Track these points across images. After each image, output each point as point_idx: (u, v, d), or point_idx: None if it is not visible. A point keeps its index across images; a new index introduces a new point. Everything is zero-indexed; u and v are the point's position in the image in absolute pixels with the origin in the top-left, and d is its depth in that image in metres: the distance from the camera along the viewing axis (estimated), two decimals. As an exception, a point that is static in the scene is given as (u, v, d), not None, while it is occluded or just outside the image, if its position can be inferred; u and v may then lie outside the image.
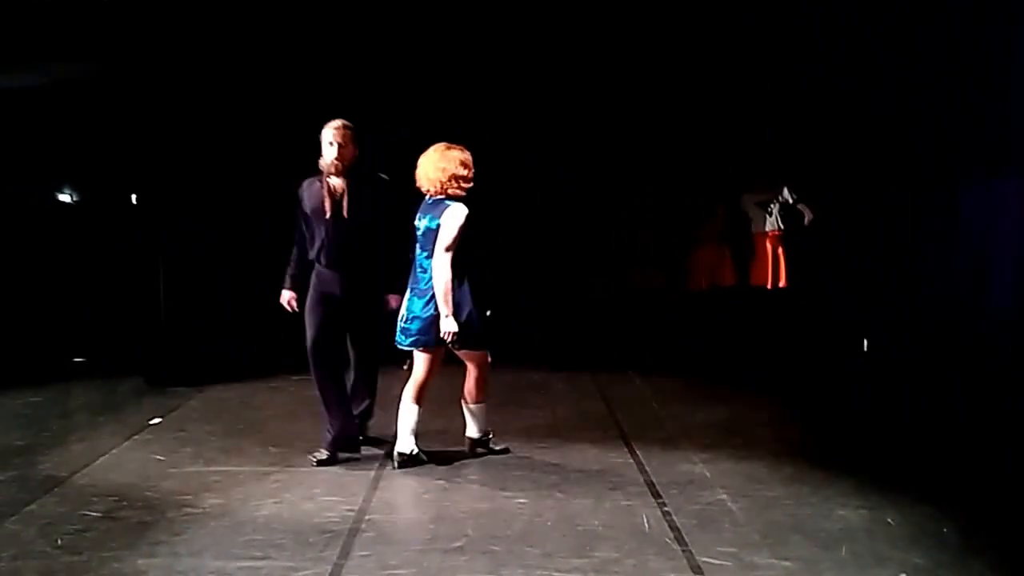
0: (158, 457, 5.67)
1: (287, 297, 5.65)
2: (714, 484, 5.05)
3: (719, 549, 4.11)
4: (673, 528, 4.40)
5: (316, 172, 5.40)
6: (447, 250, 5.13)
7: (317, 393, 5.52)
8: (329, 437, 5.48)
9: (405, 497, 4.87)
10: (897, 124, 8.23)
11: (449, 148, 5.28)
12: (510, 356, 8.96)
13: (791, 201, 8.31)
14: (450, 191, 5.23)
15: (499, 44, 8.95)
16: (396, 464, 5.36)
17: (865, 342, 8.78)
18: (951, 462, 5.55)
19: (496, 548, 4.14)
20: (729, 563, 3.95)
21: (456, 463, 5.48)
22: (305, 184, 5.45)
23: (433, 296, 5.21)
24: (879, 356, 8.54)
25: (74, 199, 9.43)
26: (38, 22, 7.98)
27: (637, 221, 9.45)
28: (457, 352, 5.40)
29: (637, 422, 6.45)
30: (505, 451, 5.69)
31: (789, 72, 8.79)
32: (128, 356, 8.37)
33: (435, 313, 5.21)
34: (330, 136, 5.29)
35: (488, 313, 9.95)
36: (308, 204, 5.42)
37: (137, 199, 9.32)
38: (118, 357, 8.45)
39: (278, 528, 4.40)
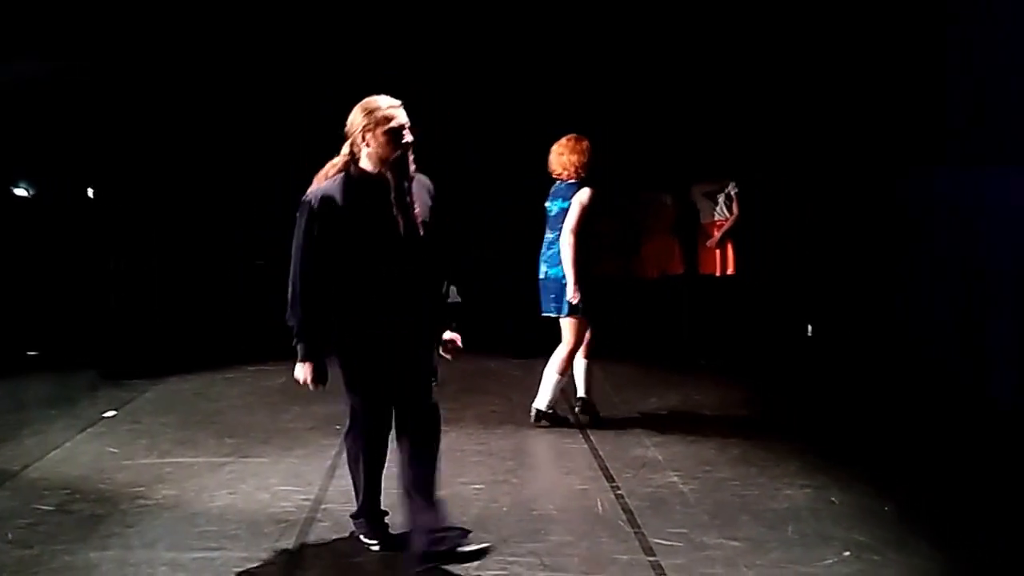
0: (111, 450, 5.64)
1: (308, 371, 3.87)
2: (665, 467, 5.15)
3: (670, 530, 4.19)
4: (626, 511, 4.48)
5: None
6: (575, 227, 5.77)
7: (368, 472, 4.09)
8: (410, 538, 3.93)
9: (361, 486, 4.88)
10: (839, 114, 8.37)
11: (580, 139, 5.96)
12: (468, 345, 9.05)
13: (733, 194, 8.44)
14: (579, 176, 5.91)
15: (458, 35, 8.98)
16: (533, 418, 5.96)
17: (809, 327, 8.96)
18: (892, 443, 5.70)
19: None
20: (680, 544, 4.03)
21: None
22: (333, 185, 3.79)
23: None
24: (823, 340, 8.71)
25: (29, 193, 9.31)
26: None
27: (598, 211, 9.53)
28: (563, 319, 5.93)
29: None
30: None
31: (735, 64, 8.89)
32: (82, 349, 8.29)
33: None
34: (405, 116, 3.81)
35: (451, 301, 9.99)
36: (356, 210, 3.76)
37: (93, 193, 9.22)
38: (72, 350, 8.37)
39: (233, 519, 4.41)
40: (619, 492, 4.75)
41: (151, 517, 4.45)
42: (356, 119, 3.80)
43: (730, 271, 8.55)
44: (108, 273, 8.84)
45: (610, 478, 4.99)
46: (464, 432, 5.88)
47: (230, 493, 4.79)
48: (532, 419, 6.01)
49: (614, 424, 6.11)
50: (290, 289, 3.80)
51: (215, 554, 3.99)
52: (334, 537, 4.18)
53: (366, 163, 3.81)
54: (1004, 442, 5.69)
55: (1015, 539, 4.15)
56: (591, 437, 5.82)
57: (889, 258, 8.10)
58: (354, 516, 4.14)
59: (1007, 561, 3.91)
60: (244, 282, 9.22)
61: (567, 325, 5.98)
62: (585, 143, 5.97)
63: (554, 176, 6.05)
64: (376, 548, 4.03)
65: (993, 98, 6.58)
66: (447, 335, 4.02)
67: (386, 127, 3.74)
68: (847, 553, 3.92)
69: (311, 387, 3.87)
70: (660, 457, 5.35)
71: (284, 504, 4.61)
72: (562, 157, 5.97)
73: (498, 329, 9.48)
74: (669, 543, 4.04)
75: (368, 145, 3.77)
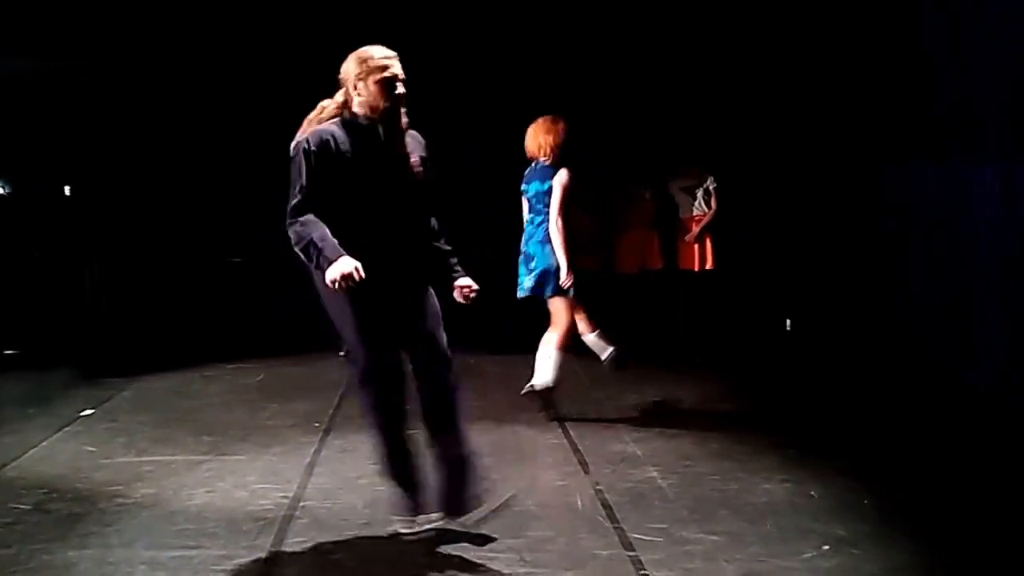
0: (89, 448, 5.60)
1: (343, 264, 3.59)
2: (645, 462, 5.17)
3: (649, 525, 4.20)
4: (605, 506, 4.49)
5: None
6: (560, 209, 5.82)
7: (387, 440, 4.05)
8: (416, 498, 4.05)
9: (340, 482, 4.88)
10: (817, 108, 8.41)
11: (556, 120, 5.95)
12: (451, 341, 9.04)
13: (712, 189, 8.48)
14: (555, 157, 5.92)
15: (428, 33, 8.96)
16: (535, 389, 6.01)
17: (788, 321, 9.01)
18: (872, 437, 5.73)
19: (431, 531, 4.19)
20: (659, 539, 4.05)
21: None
22: (330, 128, 3.78)
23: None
24: (802, 335, 8.77)
25: (6, 190, 9.23)
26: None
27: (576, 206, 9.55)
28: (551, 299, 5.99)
29: (571, 404, 6.53)
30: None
31: (714, 59, 8.93)
32: (59, 347, 8.24)
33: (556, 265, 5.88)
34: (399, 68, 3.81)
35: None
36: (351, 155, 3.75)
37: (70, 190, 9.16)
38: (49, 348, 8.31)
39: (211, 517, 4.39)
40: (598, 487, 4.76)
41: (129, 516, 4.43)
42: (349, 67, 3.79)
43: (709, 266, 8.60)
44: (85, 271, 8.79)
45: (589, 473, 5.00)
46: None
47: (208, 491, 4.78)
48: (535, 389, 6.03)
49: (593, 419, 6.13)
50: (288, 223, 3.69)
51: (193, 552, 3.97)
52: (313, 534, 4.17)
53: (358, 111, 3.80)
54: (984, 434, 5.73)
55: (995, 531, 4.18)
56: (570, 432, 5.83)
57: (868, 251, 8.16)
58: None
59: (987, 554, 3.94)
60: (222, 279, 9.18)
61: (559, 306, 6.02)
62: (561, 124, 5.95)
63: (529, 157, 6.05)
64: (408, 533, 4.02)
65: (976, 93, 6.64)
66: (460, 281, 4.04)
67: (378, 76, 3.73)
68: (826, 547, 3.94)
69: (354, 277, 3.56)
70: (639, 452, 5.37)
71: (263, 502, 4.59)
72: (537, 138, 5.96)
73: (477, 325, 9.49)
74: (649, 538, 4.05)
75: (360, 94, 3.76)
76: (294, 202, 3.70)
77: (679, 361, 8.00)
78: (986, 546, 4.01)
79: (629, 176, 8.78)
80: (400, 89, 3.77)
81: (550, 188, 5.91)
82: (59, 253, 8.86)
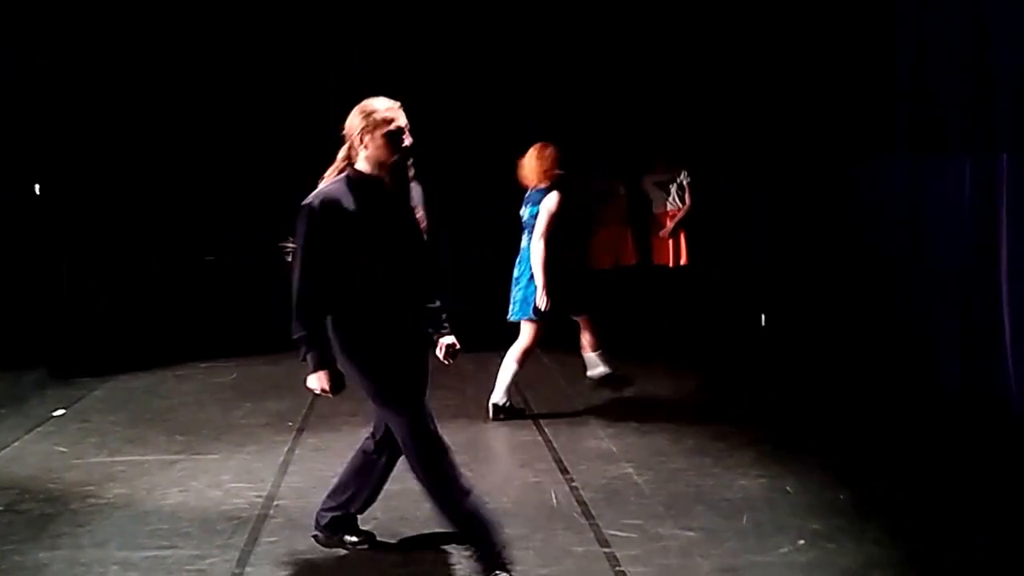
0: (61, 449, 5.55)
1: (324, 379, 3.64)
2: (620, 458, 5.18)
3: (625, 521, 4.22)
4: (580, 502, 4.50)
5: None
6: (544, 233, 5.94)
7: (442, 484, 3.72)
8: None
9: (313, 481, 4.85)
10: (791, 104, 8.46)
11: (546, 146, 6.12)
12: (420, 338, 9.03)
13: (685, 184, 8.51)
14: (548, 181, 6.05)
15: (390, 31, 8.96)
16: (491, 415, 6.00)
17: (763, 317, 9.05)
18: (846, 432, 5.78)
19: (405, 530, 4.19)
20: (635, 535, 4.06)
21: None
22: (337, 188, 3.67)
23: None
24: (777, 330, 8.82)
25: None
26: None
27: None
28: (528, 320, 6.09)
29: (546, 401, 6.55)
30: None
31: (687, 55, 8.96)
32: (31, 347, 8.13)
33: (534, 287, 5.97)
34: (404, 119, 3.71)
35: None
36: (358, 214, 3.63)
37: (40, 189, 9.05)
38: (21, 348, 8.21)
39: (184, 517, 4.36)
40: (574, 484, 4.77)
41: (101, 516, 4.39)
42: (354, 121, 3.69)
43: (683, 261, 8.62)
44: (57, 270, 8.69)
45: (564, 470, 5.01)
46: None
47: (181, 491, 4.74)
48: (490, 415, 6.04)
49: (568, 416, 6.14)
50: (295, 296, 3.62)
51: (167, 552, 3.94)
52: (287, 533, 4.15)
53: (364, 166, 3.69)
54: (957, 429, 5.80)
55: (967, 524, 4.23)
56: (545, 429, 5.83)
57: (841, 247, 8.22)
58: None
59: (960, 546, 3.98)
60: (195, 278, 9.12)
61: (526, 327, 6.09)
62: (549, 150, 6.11)
63: (526, 184, 6.20)
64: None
65: (936, 87, 6.70)
66: (446, 340, 3.93)
67: (385, 130, 3.64)
68: (802, 542, 3.97)
69: (330, 395, 3.69)
70: (614, 448, 5.38)
71: (236, 501, 4.57)
72: (530, 164, 6.12)
73: (455, 323, 9.48)
74: (624, 534, 4.06)
75: (367, 148, 3.66)
76: (300, 280, 3.62)
77: (654, 357, 8.01)
78: (961, 540, 4.05)
79: (602, 171, 8.78)
80: (407, 141, 3.68)
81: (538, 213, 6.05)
82: (30, 252, 8.74)
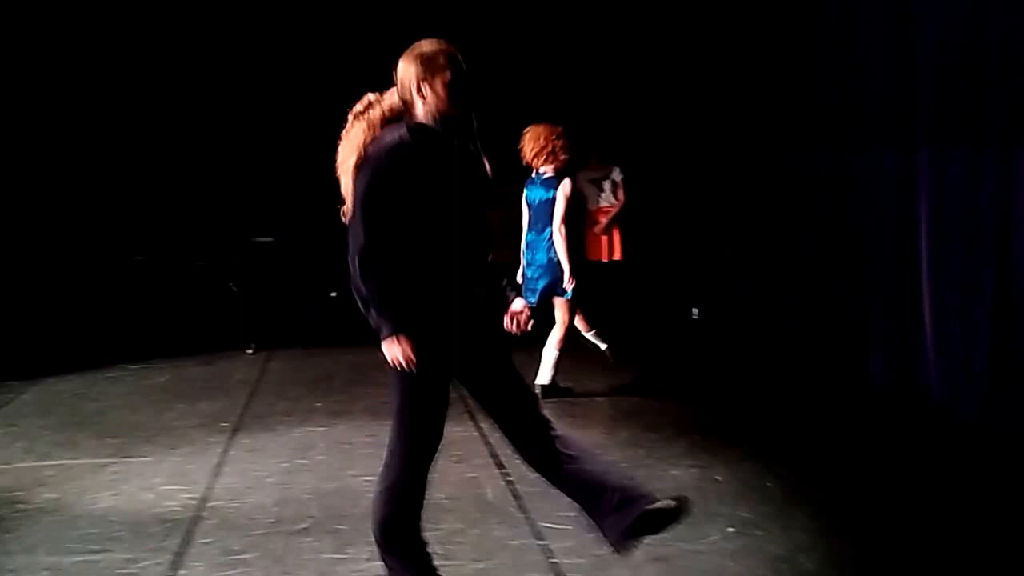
0: (-13, 454, 5.43)
1: (404, 345, 3.10)
2: (555, 452, 5.22)
3: (559, 514, 4.25)
4: (516, 496, 4.55)
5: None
6: (563, 217, 6.23)
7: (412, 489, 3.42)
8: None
9: (248, 482, 4.83)
10: (721, 99, 8.60)
11: (555, 130, 6.31)
12: (357, 337, 9.01)
13: (619, 180, 8.60)
14: (557, 166, 6.33)
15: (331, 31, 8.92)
16: (541, 398, 5.88)
17: (695, 311, 9.20)
18: (774, 422, 5.93)
19: (342, 527, 4.18)
20: (569, 527, 4.10)
21: (302, 445, 5.46)
22: (401, 138, 3.15)
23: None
24: (708, 324, 8.98)
25: None
26: None
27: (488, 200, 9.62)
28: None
29: (483, 396, 6.59)
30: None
31: (618, 51, 9.06)
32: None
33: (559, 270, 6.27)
34: (466, 65, 3.24)
35: (333, 295, 9.95)
36: (425, 170, 3.15)
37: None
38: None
39: (116, 520, 4.31)
40: (509, 478, 4.81)
41: (30, 522, 4.31)
42: (409, 68, 3.17)
43: (617, 256, 8.70)
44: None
45: (500, 465, 5.05)
46: (354, 424, 5.89)
47: (113, 494, 4.68)
48: (540, 397, 5.96)
49: (505, 412, 6.16)
50: (358, 253, 3.09)
51: (98, 556, 3.89)
52: (222, 534, 4.12)
53: (424, 119, 3.18)
54: (881, 419, 5.99)
55: (890, 509, 4.37)
56: (481, 425, 5.86)
57: (771, 240, 8.39)
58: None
59: (883, 531, 4.11)
60: (125, 279, 8.97)
61: (562, 306, 6.44)
62: (562, 137, 6.34)
63: (526, 164, 6.41)
64: None
65: (863, 84, 6.88)
66: (516, 305, 3.38)
67: (447, 77, 3.15)
68: (731, 529, 4.06)
69: (410, 366, 3.09)
70: (549, 442, 5.41)
71: (169, 503, 4.52)
72: (542, 146, 6.30)
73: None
74: (559, 527, 4.11)
75: (424, 98, 3.16)
76: (364, 234, 3.09)
77: (588, 351, 8.09)
78: (884, 525, 4.18)
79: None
80: (470, 90, 3.20)
81: (554, 198, 6.26)
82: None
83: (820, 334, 7.51)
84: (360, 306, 3.15)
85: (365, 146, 3.15)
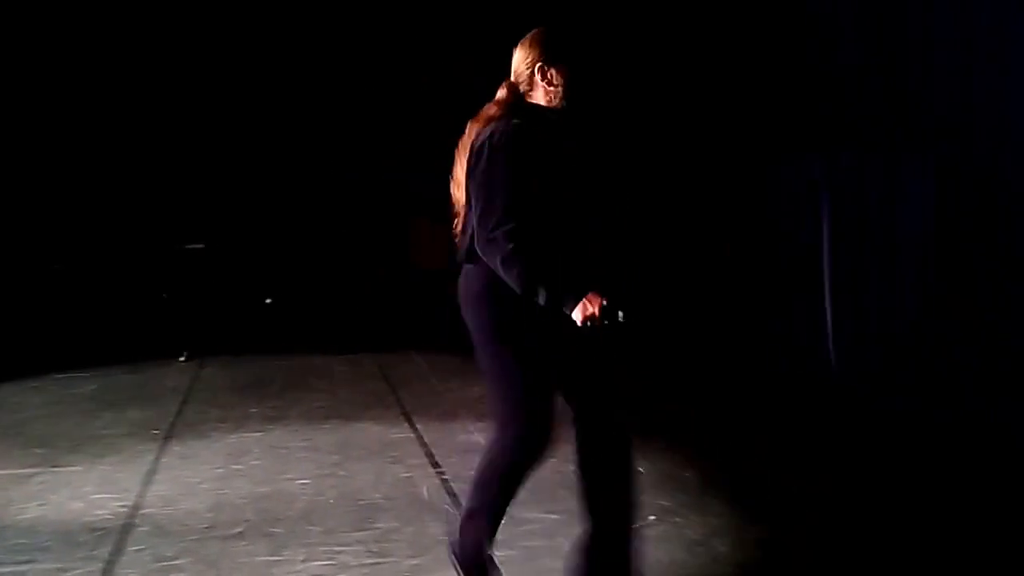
0: (-95, 469, 5.29)
1: (592, 300, 2.88)
2: (489, 451, 5.28)
3: (493, 510, 4.31)
4: (451, 494, 4.58)
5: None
6: None
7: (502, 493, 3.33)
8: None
9: (181, 488, 4.78)
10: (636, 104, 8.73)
11: None
12: (291, 342, 8.97)
13: None
14: None
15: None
16: None
17: (620, 313, 9.34)
18: (692, 416, 6.14)
19: (277, 530, 4.17)
20: (503, 521, 4.15)
21: (236, 451, 5.42)
22: (523, 121, 2.98)
23: None
24: (633, 324, 9.11)
25: None
26: None
27: (414, 204, 9.70)
28: None
29: (417, 399, 6.63)
30: None
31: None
32: None
33: None
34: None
35: (268, 301, 9.86)
36: (550, 157, 2.98)
37: None
38: None
39: (44, 531, 4.22)
40: (444, 477, 4.85)
41: (-47, 535, 4.21)
42: (530, 51, 3.06)
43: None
44: None
45: (436, 464, 5.08)
46: (290, 429, 5.86)
47: (40, 504, 4.59)
48: None
49: (440, 413, 6.21)
50: (500, 234, 2.84)
51: (25, 567, 3.82)
52: (155, 542, 4.07)
53: (542, 103, 3.05)
54: (787, 406, 6.29)
55: (800, 492, 4.57)
56: (417, 426, 5.90)
57: (698, 242, 8.55)
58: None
59: (794, 512, 4.31)
60: (46, 287, 8.79)
61: None
62: None
63: None
64: None
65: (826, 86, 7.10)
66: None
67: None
68: (652, 518, 4.16)
69: (601, 320, 2.91)
70: (483, 441, 5.42)
71: (99, 512, 4.45)
72: None
73: (326, 325, 9.45)
74: (493, 522, 4.16)
75: (550, 84, 3.02)
76: (499, 218, 2.85)
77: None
78: (794, 507, 4.38)
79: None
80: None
81: None
82: None
83: (739, 332, 7.76)
84: (522, 283, 2.86)
85: (478, 139, 2.99)
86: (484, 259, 2.91)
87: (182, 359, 8.17)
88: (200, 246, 8.82)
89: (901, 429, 5.50)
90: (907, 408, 5.60)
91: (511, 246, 2.83)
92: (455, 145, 3.13)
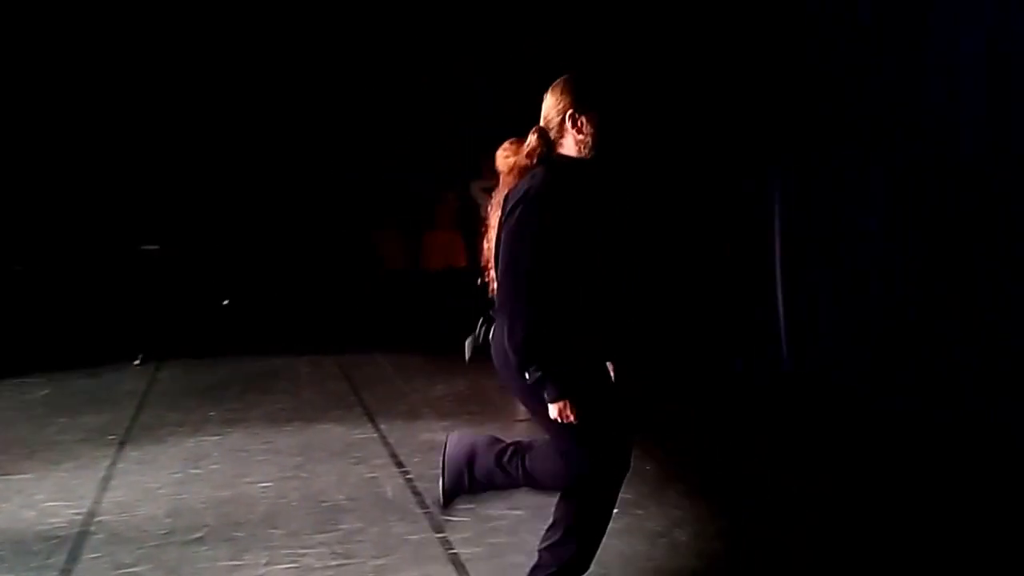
0: None
1: (569, 409, 3.06)
2: (453, 449, 5.24)
3: (458, 507, 4.21)
4: (415, 493, 4.54)
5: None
6: None
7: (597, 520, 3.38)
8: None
9: (138, 494, 4.67)
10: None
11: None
12: (252, 343, 8.86)
13: None
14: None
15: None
16: None
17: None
18: (655, 411, 6.15)
19: (239, 534, 4.09)
20: (468, 519, 4.12)
21: (195, 455, 5.32)
22: (556, 176, 3.00)
23: None
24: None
25: None
26: None
27: (380, 207, 9.66)
28: None
29: (380, 399, 6.57)
30: None
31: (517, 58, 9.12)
32: None
33: None
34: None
35: (226, 303, 9.74)
36: (582, 212, 3.01)
37: None
38: None
39: (-4, 540, 4.12)
40: (409, 476, 4.80)
41: (-98, 546, 4.09)
42: (562, 98, 3.04)
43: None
44: None
45: (399, 464, 5.04)
46: (249, 432, 5.77)
47: (-9, 514, 4.47)
48: None
49: (403, 412, 6.16)
50: (518, 307, 2.95)
51: (-24, 578, 3.72)
52: (111, 548, 3.98)
53: (571, 153, 3.05)
54: (743, 399, 6.42)
55: (753, 480, 4.70)
56: (380, 426, 5.84)
57: (672, 245, 8.58)
58: None
59: (749, 500, 4.41)
60: (2, 289, 8.61)
61: None
62: None
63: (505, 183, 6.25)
64: None
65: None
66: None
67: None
68: (615, 511, 4.15)
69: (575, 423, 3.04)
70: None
71: (53, 520, 4.33)
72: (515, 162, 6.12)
73: (287, 326, 9.36)
74: (458, 519, 4.11)
75: (580, 132, 3.01)
76: (527, 296, 2.93)
77: (484, 353, 8.13)
78: (749, 495, 4.49)
79: (436, 180, 8.99)
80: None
81: None
82: None
83: (697, 331, 7.85)
84: (516, 361, 3.01)
85: (513, 194, 3.02)
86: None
87: (137, 362, 8.02)
88: (155, 247, 8.68)
89: (901, 429, 5.50)
90: (907, 408, 5.62)
91: (526, 341, 2.94)
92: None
